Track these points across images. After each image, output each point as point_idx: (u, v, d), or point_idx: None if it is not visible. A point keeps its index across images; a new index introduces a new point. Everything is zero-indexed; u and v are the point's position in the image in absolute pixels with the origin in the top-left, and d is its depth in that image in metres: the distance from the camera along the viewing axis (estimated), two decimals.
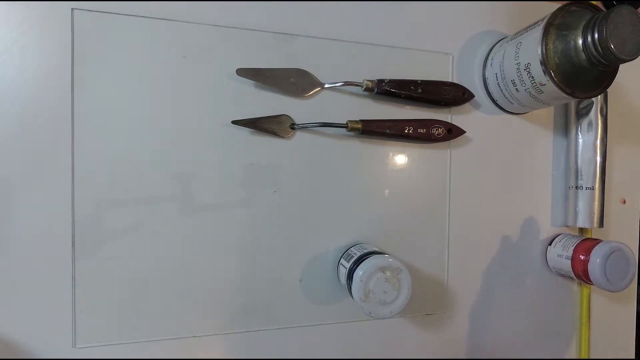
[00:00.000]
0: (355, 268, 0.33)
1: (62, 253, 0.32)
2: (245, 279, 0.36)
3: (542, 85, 0.34)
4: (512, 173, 0.43)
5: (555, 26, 0.33)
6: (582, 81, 0.34)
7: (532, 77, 0.35)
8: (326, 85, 0.37)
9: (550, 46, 0.33)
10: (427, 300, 0.41)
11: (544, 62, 0.33)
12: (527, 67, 0.35)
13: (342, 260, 0.36)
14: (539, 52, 0.33)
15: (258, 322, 0.36)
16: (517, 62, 0.36)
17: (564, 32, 0.32)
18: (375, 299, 0.32)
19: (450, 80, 0.40)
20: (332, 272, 0.38)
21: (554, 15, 0.33)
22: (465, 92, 0.39)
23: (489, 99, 0.42)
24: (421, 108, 0.40)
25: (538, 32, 0.33)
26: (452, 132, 0.39)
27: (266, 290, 0.36)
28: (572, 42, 0.32)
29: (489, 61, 0.41)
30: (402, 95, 0.38)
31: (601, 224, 0.41)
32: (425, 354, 0.41)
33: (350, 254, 0.36)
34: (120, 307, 0.33)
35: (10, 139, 0.31)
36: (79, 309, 0.33)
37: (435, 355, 0.41)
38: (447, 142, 0.40)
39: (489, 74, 0.41)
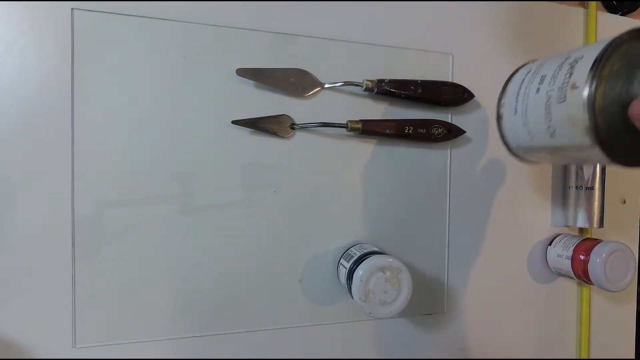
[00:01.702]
0: (355, 268, 0.33)
1: (62, 253, 0.32)
2: (245, 278, 0.36)
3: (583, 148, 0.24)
4: (512, 173, 0.43)
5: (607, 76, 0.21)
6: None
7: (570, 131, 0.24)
8: (326, 85, 0.37)
9: (600, 102, 0.22)
10: (427, 300, 0.41)
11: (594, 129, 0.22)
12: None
13: (342, 260, 0.36)
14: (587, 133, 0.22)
15: (258, 322, 0.36)
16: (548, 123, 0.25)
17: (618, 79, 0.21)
18: (375, 299, 0.32)
19: (450, 80, 0.40)
20: (332, 272, 0.38)
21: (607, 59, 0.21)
22: (465, 92, 0.39)
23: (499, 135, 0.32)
24: (421, 108, 0.40)
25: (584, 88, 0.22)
26: (452, 132, 0.39)
27: (266, 290, 0.36)
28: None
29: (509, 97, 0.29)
30: (402, 95, 0.38)
31: (601, 224, 0.41)
32: (425, 354, 0.41)
33: (350, 254, 0.36)
34: (120, 307, 0.33)
35: (10, 139, 0.31)
36: (79, 309, 0.33)
37: (435, 355, 0.41)
38: (447, 142, 0.40)
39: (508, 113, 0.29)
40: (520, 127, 0.28)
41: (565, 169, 0.44)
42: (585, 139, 0.22)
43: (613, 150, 0.22)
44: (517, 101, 0.28)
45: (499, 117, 0.30)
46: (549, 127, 0.25)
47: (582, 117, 0.22)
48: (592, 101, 0.21)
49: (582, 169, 0.42)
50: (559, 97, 0.23)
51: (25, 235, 0.31)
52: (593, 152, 0.23)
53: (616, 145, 0.22)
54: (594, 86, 0.21)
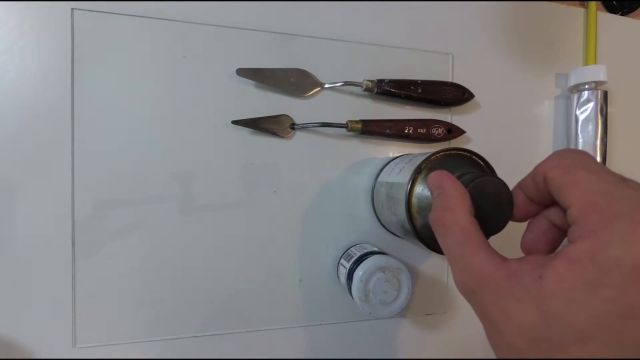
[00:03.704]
0: (355, 268, 0.33)
1: (62, 253, 0.32)
2: (245, 279, 0.36)
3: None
4: (512, 173, 0.43)
5: (425, 172, 0.28)
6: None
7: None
8: (326, 85, 0.37)
9: (415, 196, 0.28)
10: (427, 300, 0.41)
11: (407, 205, 0.28)
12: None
13: (342, 260, 0.36)
14: (405, 209, 0.28)
15: (258, 322, 0.36)
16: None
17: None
18: (375, 299, 0.32)
19: (450, 80, 0.40)
20: (332, 272, 0.38)
21: (425, 162, 0.28)
22: (465, 92, 0.39)
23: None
24: (421, 108, 0.40)
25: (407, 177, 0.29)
26: (452, 132, 0.39)
27: (266, 290, 0.36)
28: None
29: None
30: (402, 95, 0.38)
31: None
32: (425, 354, 0.41)
33: (350, 254, 0.36)
34: (120, 307, 0.33)
35: (10, 139, 0.31)
36: (79, 309, 0.33)
37: (435, 355, 0.41)
38: (447, 142, 0.40)
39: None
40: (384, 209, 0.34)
41: None
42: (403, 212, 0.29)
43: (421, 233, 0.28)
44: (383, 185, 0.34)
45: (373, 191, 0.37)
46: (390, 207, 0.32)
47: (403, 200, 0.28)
48: (408, 193, 0.28)
49: None
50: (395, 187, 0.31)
51: (25, 235, 0.31)
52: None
53: (421, 225, 0.28)
54: (410, 183, 0.28)
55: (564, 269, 0.15)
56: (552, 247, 0.22)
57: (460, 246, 0.20)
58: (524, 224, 0.23)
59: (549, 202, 0.21)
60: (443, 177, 0.23)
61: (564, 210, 0.18)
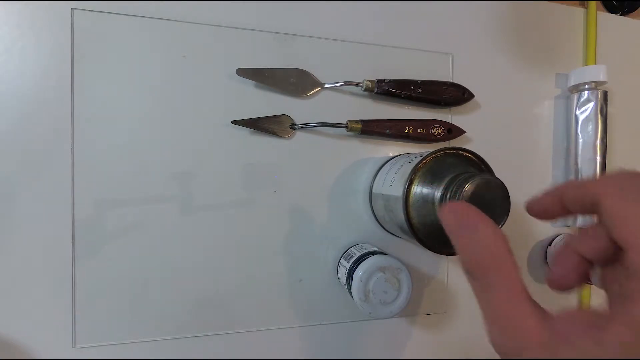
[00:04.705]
0: (355, 268, 0.33)
1: (62, 253, 0.32)
2: (245, 279, 0.36)
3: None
4: (512, 173, 0.43)
5: (416, 181, 0.29)
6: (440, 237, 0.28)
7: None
8: (326, 85, 0.37)
9: (412, 193, 0.29)
10: (427, 300, 0.41)
11: (408, 220, 0.29)
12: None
13: (342, 260, 0.36)
14: (402, 208, 0.29)
15: (258, 322, 0.36)
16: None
17: (428, 181, 0.28)
18: (375, 299, 0.32)
19: (450, 80, 0.40)
20: (332, 272, 0.38)
21: (422, 161, 0.28)
22: (465, 92, 0.39)
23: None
24: (421, 108, 0.40)
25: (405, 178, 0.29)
26: (452, 132, 0.39)
27: (266, 290, 0.36)
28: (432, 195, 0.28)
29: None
30: (402, 95, 0.38)
31: None
32: (425, 354, 0.41)
33: (350, 254, 0.36)
34: (120, 307, 0.33)
35: (10, 139, 0.31)
36: (79, 309, 0.33)
37: (435, 355, 0.41)
38: (447, 142, 0.40)
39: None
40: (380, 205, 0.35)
41: (566, 169, 0.44)
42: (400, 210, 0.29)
43: (422, 236, 0.29)
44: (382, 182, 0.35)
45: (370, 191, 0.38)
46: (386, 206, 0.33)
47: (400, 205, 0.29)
48: (405, 195, 0.28)
49: (582, 169, 0.42)
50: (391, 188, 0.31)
51: (25, 235, 0.31)
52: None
53: (425, 232, 0.29)
54: (407, 184, 0.28)
55: (630, 333, 0.14)
56: (582, 279, 0.20)
57: (508, 305, 0.17)
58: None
59: (582, 213, 0.19)
60: (470, 215, 0.18)
61: (611, 242, 0.16)
